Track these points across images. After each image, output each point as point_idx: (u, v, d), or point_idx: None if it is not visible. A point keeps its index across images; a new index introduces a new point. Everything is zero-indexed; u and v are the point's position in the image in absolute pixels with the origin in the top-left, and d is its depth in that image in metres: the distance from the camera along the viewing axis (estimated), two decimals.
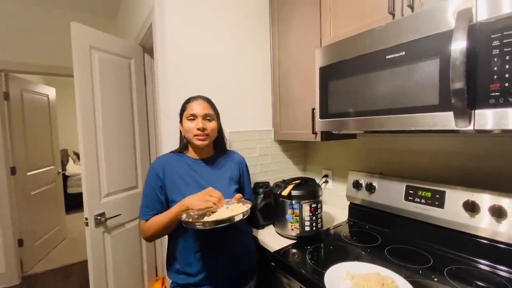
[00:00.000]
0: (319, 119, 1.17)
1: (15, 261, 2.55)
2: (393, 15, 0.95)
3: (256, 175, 1.59)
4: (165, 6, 1.31)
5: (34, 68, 2.53)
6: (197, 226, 0.84)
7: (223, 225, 0.83)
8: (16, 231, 2.57)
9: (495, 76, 0.66)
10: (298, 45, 1.42)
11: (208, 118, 1.05)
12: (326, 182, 1.69)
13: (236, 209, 0.92)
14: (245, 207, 0.92)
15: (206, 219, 0.87)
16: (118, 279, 1.71)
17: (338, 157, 1.64)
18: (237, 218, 0.85)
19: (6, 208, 2.48)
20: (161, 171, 1.02)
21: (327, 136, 1.31)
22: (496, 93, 0.66)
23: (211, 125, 1.05)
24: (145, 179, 1.06)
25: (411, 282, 0.78)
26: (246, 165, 1.22)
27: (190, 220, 0.87)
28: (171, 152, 1.12)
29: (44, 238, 3.02)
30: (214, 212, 0.91)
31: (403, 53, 0.85)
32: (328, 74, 1.12)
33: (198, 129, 1.01)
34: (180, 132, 1.13)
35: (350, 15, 1.12)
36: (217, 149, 1.16)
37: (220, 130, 1.14)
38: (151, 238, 1.02)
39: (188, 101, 1.08)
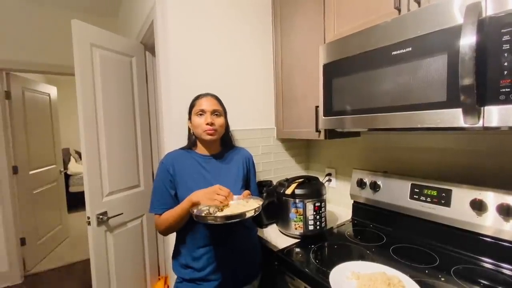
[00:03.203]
0: (323, 117, 1.16)
1: (18, 260, 2.56)
2: (399, 10, 0.93)
3: (259, 174, 1.57)
4: (167, 3, 1.30)
5: (36, 67, 2.52)
6: (209, 221, 0.84)
7: (234, 220, 0.83)
8: (18, 230, 2.57)
9: (506, 72, 0.65)
10: (301, 42, 1.40)
11: (216, 113, 1.07)
12: (329, 180, 1.68)
13: (246, 205, 0.91)
14: (257, 203, 0.92)
15: (217, 214, 0.87)
16: (121, 278, 1.70)
17: (341, 156, 1.63)
18: (248, 214, 0.85)
19: (9, 207, 2.48)
20: (171, 166, 1.04)
21: (330, 134, 1.29)
22: (507, 89, 0.65)
23: (219, 121, 1.07)
24: (155, 174, 1.08)
25: (417, 282, 0.77)
26: (253, 162, 1.22)
27: (202, 214, 0.87)
28: (180, 149, 1.14)
29: (46, 237, 3.02)
30: (224, 207, 0.91)
31: (410, 49, 0.83)
32: (332, 71, 1.10)
33: (207, 124, 1.03)
34: (189, 129, 1.15)
35: (354, 11, 1.10)
36: (224, 145, 1.18)
37: (227, 127, 1.16)
38: (165, 232, 1.04)
39: (197, 97, 1.11)
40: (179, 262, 1.05)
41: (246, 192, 1.00)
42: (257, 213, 0.87)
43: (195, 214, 0.86)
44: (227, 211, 0.88)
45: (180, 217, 0.95)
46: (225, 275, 1.01)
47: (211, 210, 0.91)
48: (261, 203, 0.92)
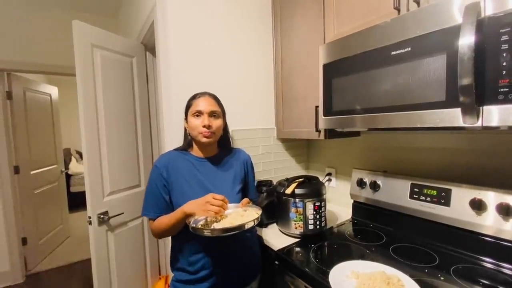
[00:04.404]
0: (323, 117, 1.16)
1: (19, 259, 2.57)
2: (399, 10, 0.93)
3: (259, 174, 1.58)
4: (167, 4, 1.30)
5: (37, 67, 2.53)
6: (205, 233, 0.82)
7: (232, 233, 0.82)
8: (20, 229, 2.58)
9: (504, 72, 0.65)
10: (301, 42, 1.41)
11: (214, 115, 1.02)
12: (329, 180, 1.68)
13: (245, 214, 0.91)
14: (255, 213, 0.90)
15: (215, 225, 0.86)
16: (122, 277, 1.71)
17: (341, 155, 1.63)
18: (247, 226, 0.83)
19: (10, 207, 2.49)
20: (165, 170, 1.00)
21: (330, 134, 1.30)
22: (505, 89, 0.65)
23: (217, 123, 1.02)
24: (148, 177, 1.04)
25: (417, 281, 0.77)
26: (251, 163, 1.19)
27: (199, 226, 0.85)
28: (175, 150, 1.10)
29: (47, 237, 3.04)
30: (222, 217, 0.89)
31: (409, 49, 0.83)
32: (332, 71, 1.10)
33: (204, 126, 0.98)
34: (185, 129, 1.10)
35: (354, 11, 1.11)
36: (222, 147, 1.14)
37: (225, 128, 1.12)
38: (159, 237, 1.03)
39: (193, 97, 1.05)
40: (176, 265, 1.04)
41: (245, 200, 0.98)
42: (256, 223, 0.86)
43: (191, 226, 0.84)
44: (225, 222, 0.86)
45: (173, 225, 0.93)
46: (223, 278, 1.00)
47: (208, 220, 0.89)
48: (260, 212, 0.91)
